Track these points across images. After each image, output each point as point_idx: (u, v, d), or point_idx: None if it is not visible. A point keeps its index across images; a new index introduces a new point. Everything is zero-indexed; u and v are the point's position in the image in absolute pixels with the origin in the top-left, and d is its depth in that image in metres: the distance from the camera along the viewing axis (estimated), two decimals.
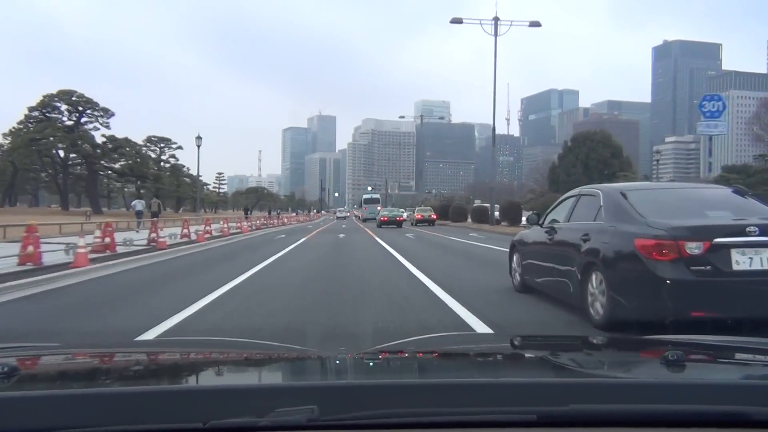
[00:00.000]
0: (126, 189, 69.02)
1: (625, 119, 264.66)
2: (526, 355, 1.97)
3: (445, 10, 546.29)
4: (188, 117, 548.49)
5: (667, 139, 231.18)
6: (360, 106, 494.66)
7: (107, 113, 57.91)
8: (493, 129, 33.21)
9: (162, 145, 68.14)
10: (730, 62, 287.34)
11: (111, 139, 58.67)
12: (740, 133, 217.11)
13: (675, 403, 1.15)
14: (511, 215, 30.73)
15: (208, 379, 1.55)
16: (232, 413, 1.05)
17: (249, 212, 56.41)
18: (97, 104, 57.05)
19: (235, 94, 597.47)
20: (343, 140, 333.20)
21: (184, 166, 72.10)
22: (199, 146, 43.73)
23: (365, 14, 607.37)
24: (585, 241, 5.45)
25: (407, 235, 26.03)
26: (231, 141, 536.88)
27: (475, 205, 50.95)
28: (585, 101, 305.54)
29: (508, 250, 8.17)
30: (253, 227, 33.10)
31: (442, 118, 65.31)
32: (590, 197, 6.02)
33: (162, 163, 67.34)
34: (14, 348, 1.90)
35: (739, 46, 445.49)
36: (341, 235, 25.66)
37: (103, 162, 58.34)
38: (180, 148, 67.02)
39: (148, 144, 66.25)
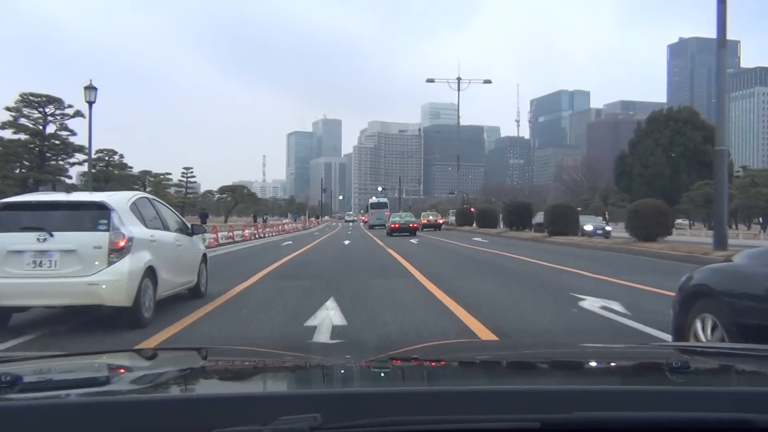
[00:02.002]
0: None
1: (642, 119, 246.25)
2: (530, 361, 1.88)
3: (452, 10, 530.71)
4: (190, 122, 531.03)
5: None
6: (365, 110, 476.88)
7: None
8: None
9: (49, 108, 39.81)
10: (748, 60, 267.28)
11: None
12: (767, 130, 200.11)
13: (679, 410, 1.12)
14: None
15: (210, 387, 1.53)
16: (235, 421, 1.02)
17: (207, 218, 38.01)
18: None
19: (238, 98, 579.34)
20: (348, 144, 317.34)
21: (117, 155, 48.26)
22: (91, 103, 23.12)
23: (370, 16, 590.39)
24: None
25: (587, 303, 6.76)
26: (235, 146, 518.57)
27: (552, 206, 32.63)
28: (596, 102, 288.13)
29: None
30: None
31: (487, 80, 48.75)
32: None
33: (48, 140, 40.40)
34: (17, 358, 1.89)
35: (753, 43, 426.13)
36: (330, 314, 6.31)
37: None
38: (79, 115, 38.77)
39: (22, 105, 39.67)
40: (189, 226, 7.79)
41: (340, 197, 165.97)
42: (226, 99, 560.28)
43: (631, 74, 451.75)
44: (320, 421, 0.99)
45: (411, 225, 32.07)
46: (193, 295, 7.46)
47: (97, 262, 5.44)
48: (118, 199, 5.97)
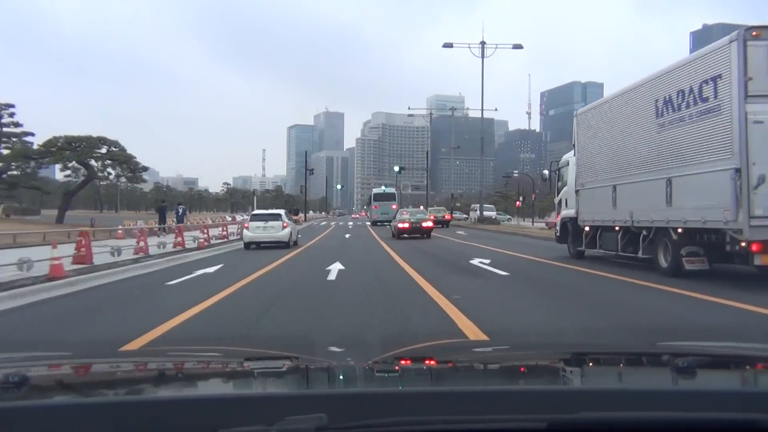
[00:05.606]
0: None
1: None
2: (535, 362, 1.97)
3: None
4: (188, 116, 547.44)
5: None
6: (369, 103, 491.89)
7: None
8: None
9: None
10: None
11: None
12: None
13: (685, 410, 1.18)
14: None
15: (217, 387, 1.66)
16: (241, 422, 1.09)
17: None
18: None
19: (237, 91, 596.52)
20: (351, 138, 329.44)
21: None
22: None
23: (373, 5, 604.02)
24: None
25: None
26: (233, 140, 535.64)
27: None
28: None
29: None
30: None
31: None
32: None
33: None
34: (25, 358, 2.00)
35: None
36: None
37: None
38: None
39: None
40: (292, 218, 25.22)
41: (339, 186, 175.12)
42: (224, 92, 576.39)
43: (646, 64, 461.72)
44: (326, 421, 1.07)
45: (424, 225, 27.26)
46: (294, 244, 23.05)
47: (279, 229, 21.77)
48: (282, 211, 23.22)
